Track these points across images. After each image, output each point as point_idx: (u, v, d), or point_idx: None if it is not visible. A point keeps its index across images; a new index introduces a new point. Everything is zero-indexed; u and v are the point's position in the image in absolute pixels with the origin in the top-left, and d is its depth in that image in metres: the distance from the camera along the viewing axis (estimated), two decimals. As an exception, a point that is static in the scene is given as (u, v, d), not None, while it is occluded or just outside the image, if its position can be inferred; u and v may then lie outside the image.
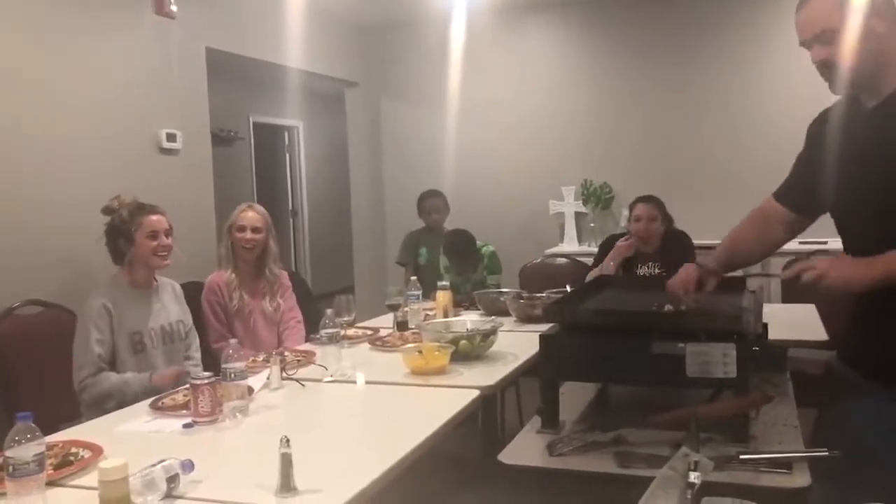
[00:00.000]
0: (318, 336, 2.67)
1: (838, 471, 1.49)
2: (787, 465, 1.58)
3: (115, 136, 3.81)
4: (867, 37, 1.50)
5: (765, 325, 2.11)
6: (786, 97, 5.09)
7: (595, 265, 4.03)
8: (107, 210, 2.84)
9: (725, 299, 2.16)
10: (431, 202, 4.79)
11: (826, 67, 1.56)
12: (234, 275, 3.25)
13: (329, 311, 2.68)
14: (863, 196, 1.59)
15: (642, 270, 3.88)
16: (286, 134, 8.77)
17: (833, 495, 1.50)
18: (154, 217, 2.82)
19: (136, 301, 2.81)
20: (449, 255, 4.28)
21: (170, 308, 2.93)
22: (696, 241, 4.09)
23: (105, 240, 2.83)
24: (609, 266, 3.86)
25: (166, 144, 4.08)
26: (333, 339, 2.57)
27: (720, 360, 1.68)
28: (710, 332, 1.72)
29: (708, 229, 4.84)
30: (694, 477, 1.19)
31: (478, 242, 4.31)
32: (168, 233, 2.84)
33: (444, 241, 4.36)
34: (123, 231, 2.77)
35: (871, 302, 1.56)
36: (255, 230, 3.26)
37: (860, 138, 1.60)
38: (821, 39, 1.54)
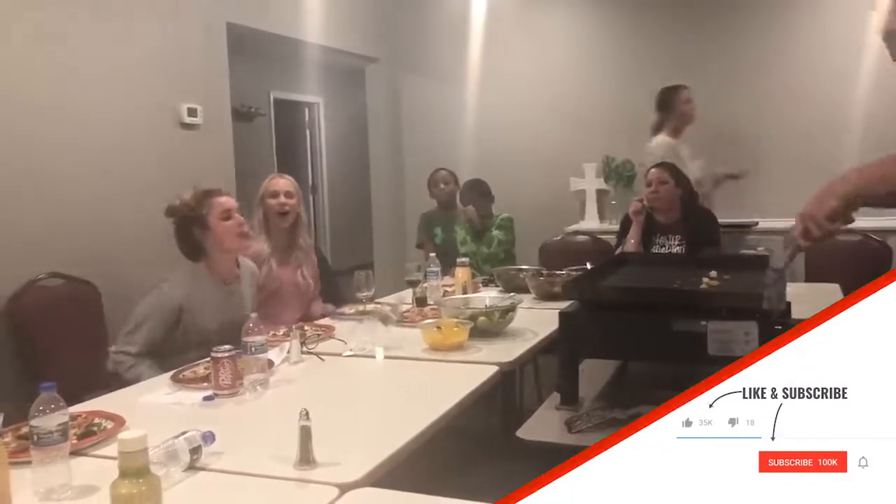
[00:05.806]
0: (338, 311, 2.68)
1: None
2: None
3: (137, 110, 3.82)
4: None
5: (788, 304, 2.08)
6: (820, 69, 4.98)
7: (618, 244, 3.98)
8: (171, 211, 2.68)
9: (748, 277, 2.14)
10: (438, 174, 4.83)
11: (887, 37, 1.68)
12: (266, 245, 3.19)
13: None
14: None
15: (660, 241, 3.79)
16: (306, 110, 8.76)
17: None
18: (222, 198, 2.70)
19: (216, 298, 2.69)
20: (466, 200, 4.44)
21: (246, 300, 2.81)
22: (722, 220, 4.00)
23: (175, 238, 2.68)
24: (630, 243, 3.81)
25: (187, 119, 4.09)
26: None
27: (742, 338, 1.67)
28: (732, 310, 1.70)
29: (736, 207, 4.78)
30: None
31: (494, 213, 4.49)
32: (240, 211, 2.73)
33: (461, 189, 4.60)
34: (196, 219, 2.64)
35: None
36: (287, 195, 3.24)
37: None
38: (893, 11, 1.64)
